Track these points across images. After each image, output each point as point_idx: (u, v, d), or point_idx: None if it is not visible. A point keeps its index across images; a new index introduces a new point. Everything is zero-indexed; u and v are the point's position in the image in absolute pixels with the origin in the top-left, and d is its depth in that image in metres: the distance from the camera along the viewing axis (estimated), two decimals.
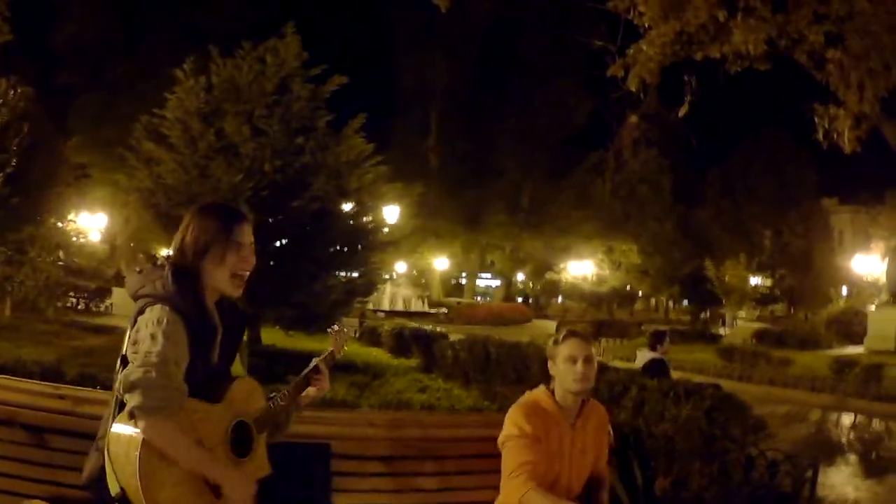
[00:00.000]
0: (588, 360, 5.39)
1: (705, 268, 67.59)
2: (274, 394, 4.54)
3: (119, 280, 59.66)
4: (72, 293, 38.22)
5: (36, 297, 28.41)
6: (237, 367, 4.49)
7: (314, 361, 4.85)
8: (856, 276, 70.17)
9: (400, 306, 63.08)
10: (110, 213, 62.79)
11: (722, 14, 20.54)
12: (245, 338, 4.71)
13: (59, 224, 38.89)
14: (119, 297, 41.54)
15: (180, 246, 4.24)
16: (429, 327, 25.81)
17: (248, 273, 4.29)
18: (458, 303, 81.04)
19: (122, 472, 3.79)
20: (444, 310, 68.40)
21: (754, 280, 70.72)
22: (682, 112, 25.39)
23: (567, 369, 5.34)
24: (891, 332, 41.93)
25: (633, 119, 28.32)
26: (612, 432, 5.99)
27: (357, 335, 31.25)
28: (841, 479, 13.87)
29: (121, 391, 3.84)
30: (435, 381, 17.91)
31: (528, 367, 16.08)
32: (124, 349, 4.03)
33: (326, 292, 22.71)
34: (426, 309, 66.93)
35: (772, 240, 77.29)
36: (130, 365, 3.84)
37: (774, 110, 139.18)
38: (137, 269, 4.27)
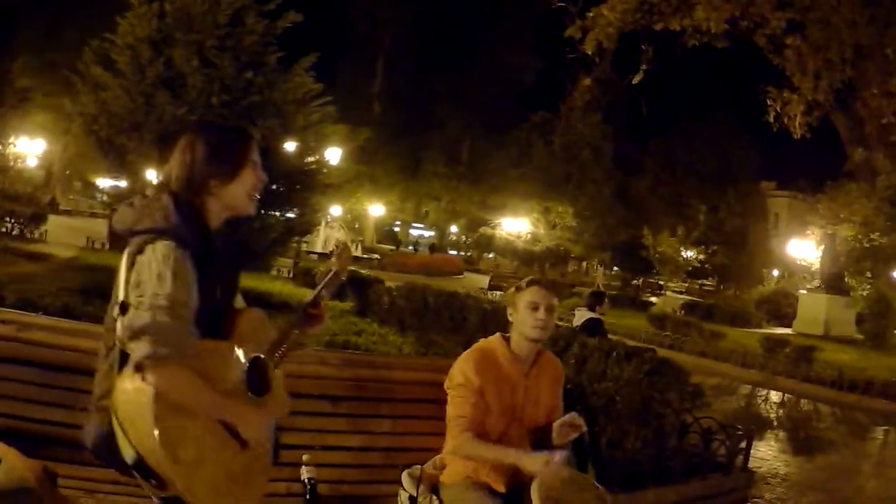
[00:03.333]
0: (550, 308, 5.42)
1: (642, 236, 67.69)
2: (282, 324, 4.19)
3: (54, 207, 59.04)
4: (7, 218, 37.30)
5: None
6: (238, 301, 4.16)
7: (312, 295, 4.44)
8: (789, 260, 70.64)
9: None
10: (49, 139, 62.09)
11: None
12: None
13: None
14: (54, 224, 40.98)
15: (188, 168, 3.83)
16: (364, 272, 25.70)
17: (260, 190, 3.97)
18: (392, 250, 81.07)
19: (136, 434, 3.38)
20: (377, 256, 68.17)
21: (687, 253, 71.06)
22: (636, 79, 25.51)
23: (527, 315, 5.36)
24: (820, 316, 42.69)
25: (587, 82, 28.29)
26: None
27: (290, 275, 31.20)
28: (771, 453, 14.01)
29: (124, 340, 3.40)
30: (370, 325, 17.73)
31: (465, 318, 16.09)
32: (120, 293, 3.56)
33: (265, 230, 22.59)
34: (359, 254, 66.67)
35: (707, 215, 77.42)
36: (135, 309, 3.41)
37: (722, 90, 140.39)
38: (128, 203, 3.83)
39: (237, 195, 3.88)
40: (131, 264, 3.56)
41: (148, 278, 3.46)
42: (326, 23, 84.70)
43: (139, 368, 3.34)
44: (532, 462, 4.91)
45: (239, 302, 4.14)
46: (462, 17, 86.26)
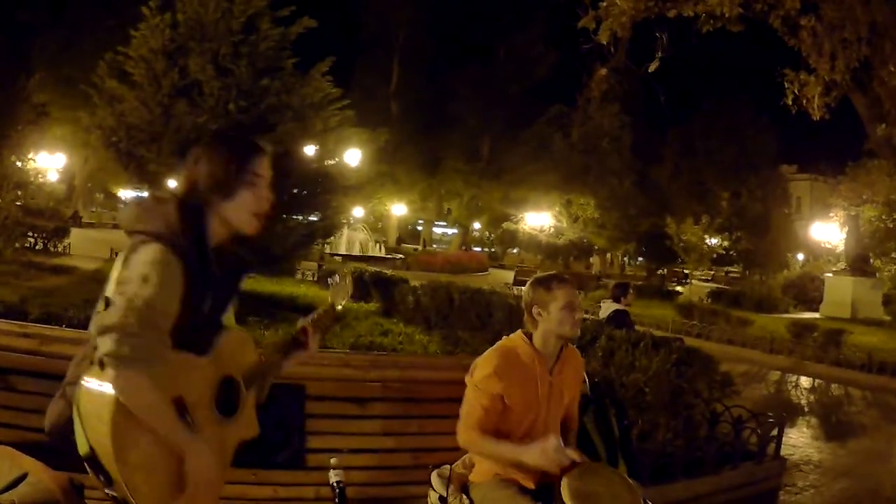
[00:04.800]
0: (580, 306, 5.46)
1: (665, 225, 67.57)
2: (262, 350, 4.21)
3: (76, 220, 59.22)
4: (30, 233, 37.40)
5: None
6: (229, 318, 4.11)
7: (301, 322, 4.38)
8: (813, 243, 70.63)
9: (357, 251, 62.77)
10: (69, 153, 62.47)
11: None
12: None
13: (19, 163, 38.44)
14: (77, 237, 41.19)
15: (191, 181, 3.84)
16: (389, 272, 25.68)
17: (266, 211, 3.89)
18: (416, 249, 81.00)
19: (93, 432, 3.42)
20: (401, 256, 68.14)
21: (711, 240, 71.00)
22: (652, 67, 25.46)
23: (565, 316, 5.31)
24: (847, 299, 42.53)
25: (602, 72, 28.31)
26: (586, 380, 5.97)
27: (315, 278, 31.26)
28: (803, 440, 13.94)
29: (95, 334, 3.44)
30: (396, 325, 17.75)
31: (490, 314, 16.07)
32: (108, 290, 3.60)
33: (287, 234, 22.57)
34: (383, 254, 66.70)
35: (729, 202, 77.20)
36: (111, 306, 3.44)
37: (739, 75, 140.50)
38: (136, 202, 3.87)
39: (236, 213, 3.84)
40: (126, 262, 3.58)
41: (133, 278, 3.48)
42: (340, 25, 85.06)
43: (101, 364, 3.38)
44: (529, 455, 4.91)
45: (229, 320, 4.11)
46: (475, 12, 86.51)
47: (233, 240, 3.96)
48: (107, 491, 3.50)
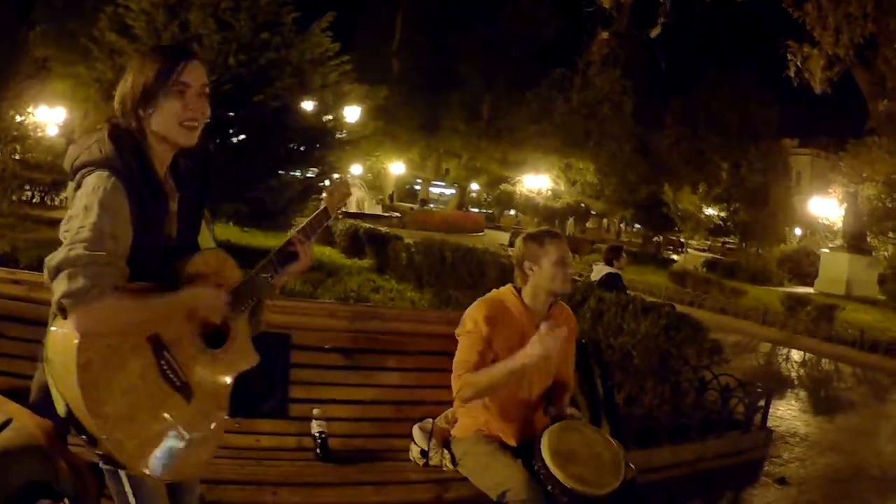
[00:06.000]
0: (571, 262, 5.49)
1: (662, 192, 67.48)
2: (253, 268, 3.82)
3: None
4: (27, 186, 37.00)
5: None
6: (206, 240, 3.89)
7: (294, 233, 3.96)
8: (811, 218, 70.33)
9: (353, 208, 62.59)
10: (69, 108, 62.12)
11: None
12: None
13: (18, 117, 38.24)
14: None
15: (120, 98, 3.59)
16: (383, 229, 25.67)
17: (200, 121, 3.61)
18: (412, 208, 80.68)
19: (63, 384, 3.19)
20: (398, 214, 67.92)
21: (709, 210, 70.92)
22: (654, 32, 25.30)
23: (557, 272, 5.34)
24: (842, 276, 42.48)
25: (604, 35, 28.31)
26: None
27: None
28: (791, 412, 13.89)
29: (47, 280, 3.17)
30: (388, 282, 17.86)
31: (483, 273, 16.04)
32: (60, 232, 3.35)
33: (283, 189, 22.54)
34: (380, 212, 66.47)
35: (729, 172, 76.96)
36: (60, 246, 3.19)
37: (743, 45, 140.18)
38: (73, 140, 3.59)
39: (165, 123, 3.54)
40: (72, 201, 3.43)
41: (77, 211, 3.30)
42: None
43: (62, 310, 3.13)
44: (531, 348, 4.90)
45: (206, 241, 3.90)
46: None
47: (186, 156, 3.77)
48: (94, 452, 3.33)
